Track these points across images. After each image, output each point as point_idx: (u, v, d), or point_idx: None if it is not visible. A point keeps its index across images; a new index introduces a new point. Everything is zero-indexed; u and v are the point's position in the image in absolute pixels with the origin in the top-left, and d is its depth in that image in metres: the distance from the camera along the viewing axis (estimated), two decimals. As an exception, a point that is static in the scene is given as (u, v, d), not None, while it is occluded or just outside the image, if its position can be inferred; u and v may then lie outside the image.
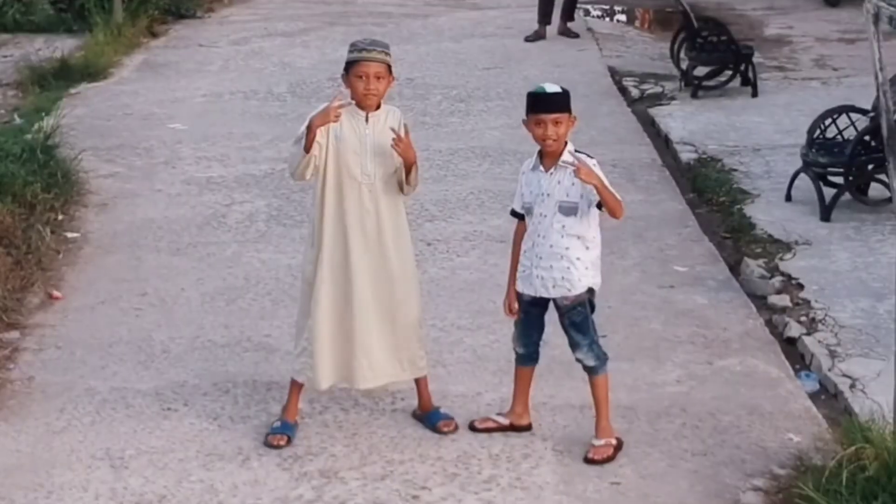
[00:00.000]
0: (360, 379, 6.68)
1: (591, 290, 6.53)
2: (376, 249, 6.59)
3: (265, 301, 8.55)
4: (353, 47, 6.58)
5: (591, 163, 6.43)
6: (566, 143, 6.45)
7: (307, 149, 6.43)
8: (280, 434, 6.71)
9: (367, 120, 6.55)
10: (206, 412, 7.06)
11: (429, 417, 6.86)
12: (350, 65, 6.53)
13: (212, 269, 9.14)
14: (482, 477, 6.38)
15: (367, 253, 6.58)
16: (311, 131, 6.41)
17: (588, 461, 6.47)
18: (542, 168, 6.47)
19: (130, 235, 9.83)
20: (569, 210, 6.41)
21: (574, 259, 6.44)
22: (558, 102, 6.41)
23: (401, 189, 6.62)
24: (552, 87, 6.48)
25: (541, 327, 6.69)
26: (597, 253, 6.55)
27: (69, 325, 8.22)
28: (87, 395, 7.27)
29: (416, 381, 6.88)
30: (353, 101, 6.55)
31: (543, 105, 6.38)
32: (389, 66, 6.56)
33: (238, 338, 7.98)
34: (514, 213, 6.72)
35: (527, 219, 6.57)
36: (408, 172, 6.56)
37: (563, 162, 6.38)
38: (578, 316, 6.49)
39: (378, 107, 6.58)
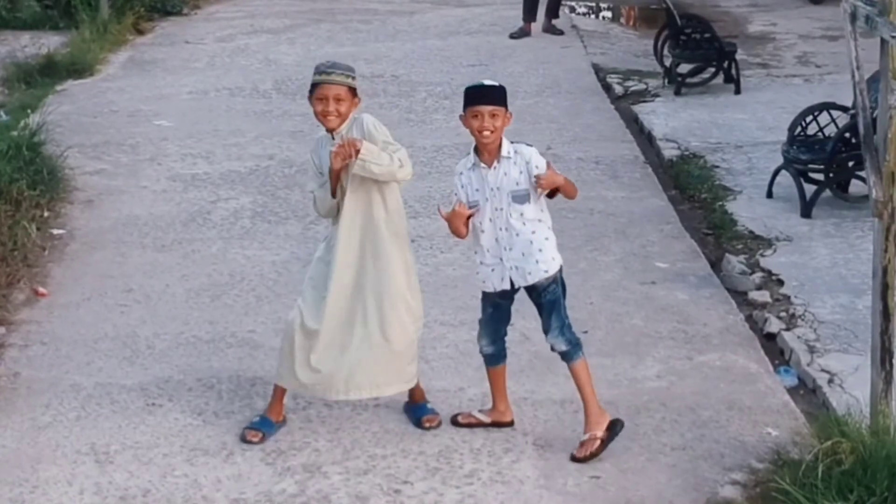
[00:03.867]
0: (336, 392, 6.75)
1: (560, 267, 6.62)
2: (367, 260, 6.64)
3: (249, 297, 8.60)
4: (315, 69, 6.64)
5: (529, 151, 6.52)
6: (502, 138, 6.52)
7: (333, 194, 6.54)
8: (255, 430, 6.78)
9: (333, 139, 6.61)
10: (190, 407, 7.12)
11: (414, 410, 6.93)
12: (312, 87, 6.60)
13: (197, 265, 9.19)
14: (463, 471, 6.45)
15: (356, 264, 6.63)
16: (333, 176, 6.50)
17: (573, 459, 6.51)
18: (483, 165, 6.53)
19: (116, 232, 9.87)
20: (522, 198, 6.49)
21: (543, 240, 6.53)
22: (494, 95, 6.47)
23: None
24: (489, 81, 6.57)
25: (508, 319, 6.78)
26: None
27: (55, 322, 8.27)
28: (73, 390, 7.33)
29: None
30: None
31: (480, 97, 6.44)
32: (352, 89, 6.59)
33: (222, 334, 8.03)
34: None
35: (473, 218, 6.57)
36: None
37: (536, 178, 6.44)
38: (553, 294, 6.56)
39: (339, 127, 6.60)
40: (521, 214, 6.50)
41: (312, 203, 6.85)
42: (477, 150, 6.56)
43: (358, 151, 6.38)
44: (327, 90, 6.54)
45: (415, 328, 6.77)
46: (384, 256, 6.62)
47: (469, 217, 6.54)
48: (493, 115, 6.42)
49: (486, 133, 6.44)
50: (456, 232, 6.63)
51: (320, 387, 6.72)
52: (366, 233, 6.61)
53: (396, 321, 6.65)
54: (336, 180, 6.54)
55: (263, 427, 6.79)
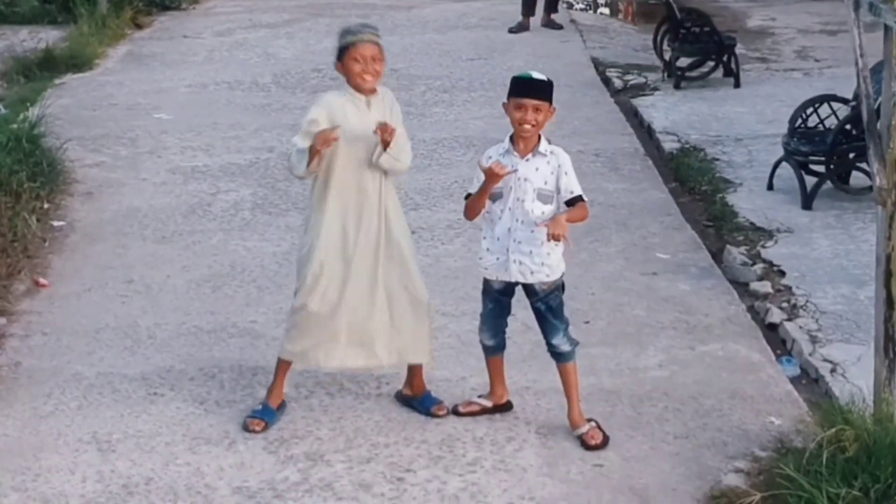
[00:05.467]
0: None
1: (562, 274, 6.61)
2: (381, 233, 6.62)
3: (251, 288, 8.60)
4: (347, 31, 6.54)
5: (564, 157, 6.51)
6: (540, 135, 6.51)
7: (309, 166, 6.47)
8: (258, 419, 6.75)
9: (368, 105, 6.54)
10: (192, 397, 7.11)
11: (421, 401, 6.91)
12: (345, 49, 6.49)
13: (197, 256, 9.18)
14: (466, 459, 6.44)
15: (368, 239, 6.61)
16: (313, 153, 6.43)
17: (591, 448, 6.51)
18: (516, 153, 6.50)
19: (116, 224, 9.87)
20: (546, 198, 6.47)
21: (553, 245, 6.50)
22: (542, 90, 6.44)
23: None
24: (538, 75, 6.53)
25: (509, 312, 6.77)
26: None
27: (56, 312, 8.26)
28: (74, 380, 7.31)
29: (416, 366, 6.92)
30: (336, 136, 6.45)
31: (527, 90, 6.41)
32: (381, 48, 6.55)
33: (224, 324, 8.02)
34: (469, 197, 6.61)
35: (493, 204, 6.52)
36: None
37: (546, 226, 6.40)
38: (556, 300, 6.56)
39: (375, 90, 6.56)
40: (543, 213, 6.47)
41: (288, 159, 6.71)
42: (512, 139, 6.53)
43: (389, 138, 6.36)
44: (364, 49, 6.45)
45: (415, 308, 6.73)
46: (394, 227, 6.63)
47: (502, 176, 6.39)
48: (536, 110, 6.38)
49: (527, 126, 6.41)
50: (474, 206, 6.55)
51: (321, 354, 6.69)
52: (379, 204, 6.58)
53: (399, 298, 6.68)
54: (315, 156, 6.44)
55: (265, 416, 6.78)
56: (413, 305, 6.72)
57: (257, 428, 6.71)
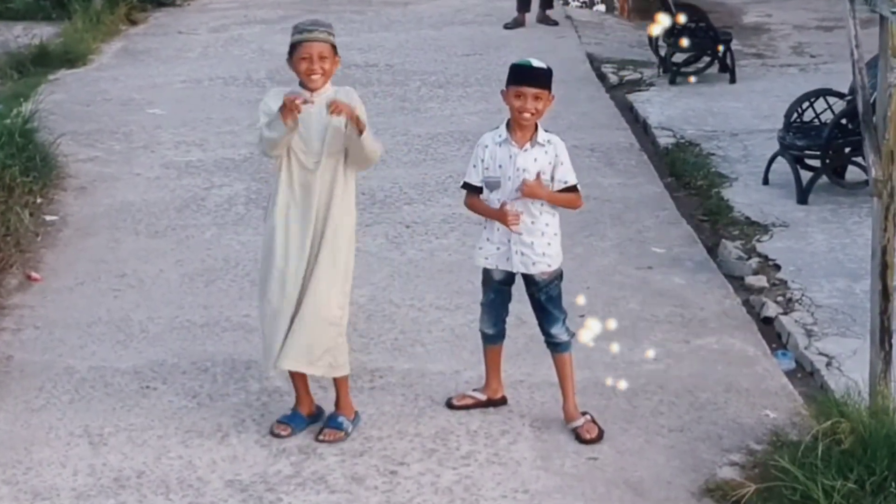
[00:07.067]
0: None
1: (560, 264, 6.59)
2: (317, 236, 6.42)
3: (244, 282, 8.55)
4: (296, 29, 6.44)
5: (561, 145, 6.48)
6: (537, 124, 6.47)
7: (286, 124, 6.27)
8: (283, 423, 6.63)
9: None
10: (184, 390, 7.08)
11: (327, 418, 6.67)
12: (294, 47, 6.39)
13: (191, 251, 9.14)
14: (460, 453, 6.40)
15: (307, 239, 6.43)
16: (285, 113, 6.24)
17: (586, 441, 6.47)
18: (514, 143, 6.46)
19: (109, 218, 9.83)
20: (546, 187, 6.44)
21: (553, 235, 6.48)
22: (542, 78, 6.39)
23: (355, 159, 6.39)
24: (538, 63, 6.49)
25: (509, 301, 6.73)
26: None
27: (48, 306, 8.22)
28: (66, 373, 7.28)
29: (335, 379, 6.65)
30: (312, 100, 6.34)
31: (527, 78, 6.36)
32: (334, 46, 6.42)
33: (217, 318, 7.98)
34: (467, 187, 6.57)
35: (491, 194, 6.48)
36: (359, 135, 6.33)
37: (523, 181, 6.37)
38: (556, 290, 6.53)
39: (322, 87, 6.39)
40: (542, 203, 6.44)
41: (259, 141, 6.53)
42: (509, 127, 6.49)
43: (346, 110, 6.16)
44: (311, 48, 6.33)
45: (340, 313, 6.49)
46: (331, 233, 6.42)
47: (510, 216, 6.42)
48: (536, 98, 6.33)
49: (527, 115, 6.36)
50: (476, 212, 6.63)
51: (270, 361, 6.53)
52: (321, 206, 6.40)
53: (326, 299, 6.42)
54: (287, 116, 6.24)
55: (290, 421, 6.62)
56: (315, 317, 6.42)
57: (283, 433, 6.58)
